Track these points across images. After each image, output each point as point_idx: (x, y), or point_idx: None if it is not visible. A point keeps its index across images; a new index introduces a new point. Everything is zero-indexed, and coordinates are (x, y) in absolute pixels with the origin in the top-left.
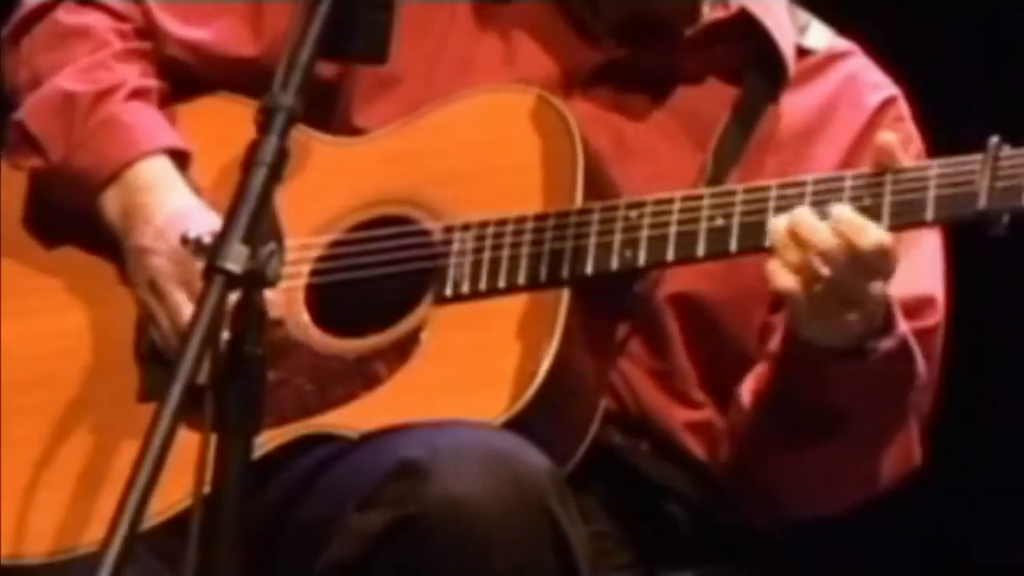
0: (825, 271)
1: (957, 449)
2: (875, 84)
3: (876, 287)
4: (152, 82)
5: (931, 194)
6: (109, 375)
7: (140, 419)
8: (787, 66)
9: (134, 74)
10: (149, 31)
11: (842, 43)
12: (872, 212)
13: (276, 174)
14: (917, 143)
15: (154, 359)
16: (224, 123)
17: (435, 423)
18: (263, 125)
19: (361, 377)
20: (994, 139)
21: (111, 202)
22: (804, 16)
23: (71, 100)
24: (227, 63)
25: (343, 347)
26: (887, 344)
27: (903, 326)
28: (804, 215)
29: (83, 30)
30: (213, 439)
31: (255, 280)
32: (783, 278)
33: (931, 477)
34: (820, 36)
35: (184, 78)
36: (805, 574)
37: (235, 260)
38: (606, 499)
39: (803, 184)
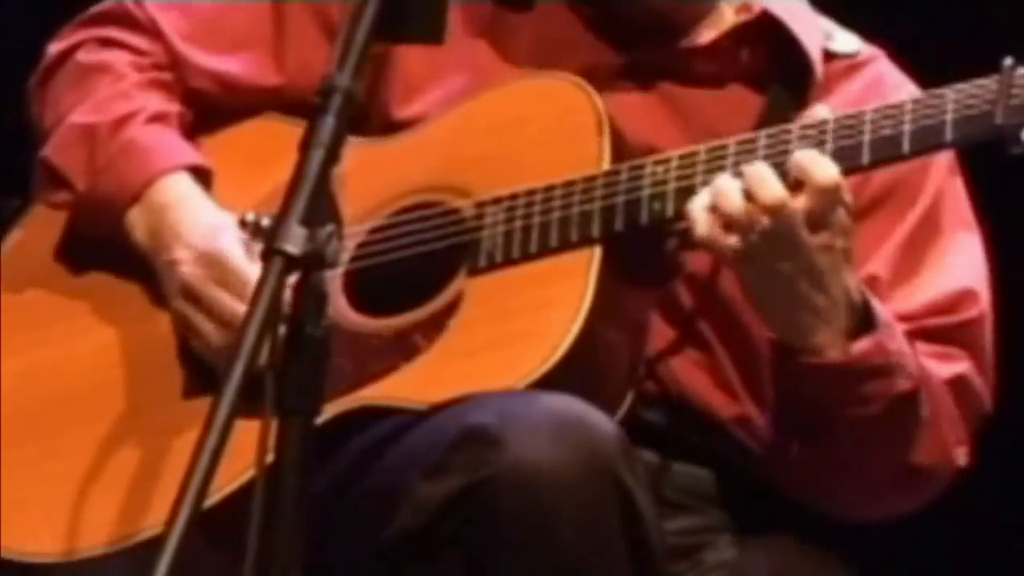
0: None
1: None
2: (899, 84)
3: (816, 236)
4: (172, 107)
5: (949, 117)
6: (154, 379)
7: (189, 416)
8: (814, 69)
9: (153, 100)
10: (171, 64)
11: (868, 48)
12: (893, 142)
13: (334, 155)
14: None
15: (197, 361)
16: (267, 140)
17: (502, 392)
18: (320, 107)
19: (401, 351)
20: (1008, 60)
21: (137, 224)
22: (827, 23)
23: (91, 131)
24: (252, 93)
25: (381, 325)
26: (862, 345)
27: (885, 330)
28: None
29: (102, 66)
30: (273, 422)
31: (314, 262)
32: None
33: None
34: (847, 41)
35: (207, 109)
36: (861, 548)
37: (294, 242)
38: (650, 469)
39: (824, 123)
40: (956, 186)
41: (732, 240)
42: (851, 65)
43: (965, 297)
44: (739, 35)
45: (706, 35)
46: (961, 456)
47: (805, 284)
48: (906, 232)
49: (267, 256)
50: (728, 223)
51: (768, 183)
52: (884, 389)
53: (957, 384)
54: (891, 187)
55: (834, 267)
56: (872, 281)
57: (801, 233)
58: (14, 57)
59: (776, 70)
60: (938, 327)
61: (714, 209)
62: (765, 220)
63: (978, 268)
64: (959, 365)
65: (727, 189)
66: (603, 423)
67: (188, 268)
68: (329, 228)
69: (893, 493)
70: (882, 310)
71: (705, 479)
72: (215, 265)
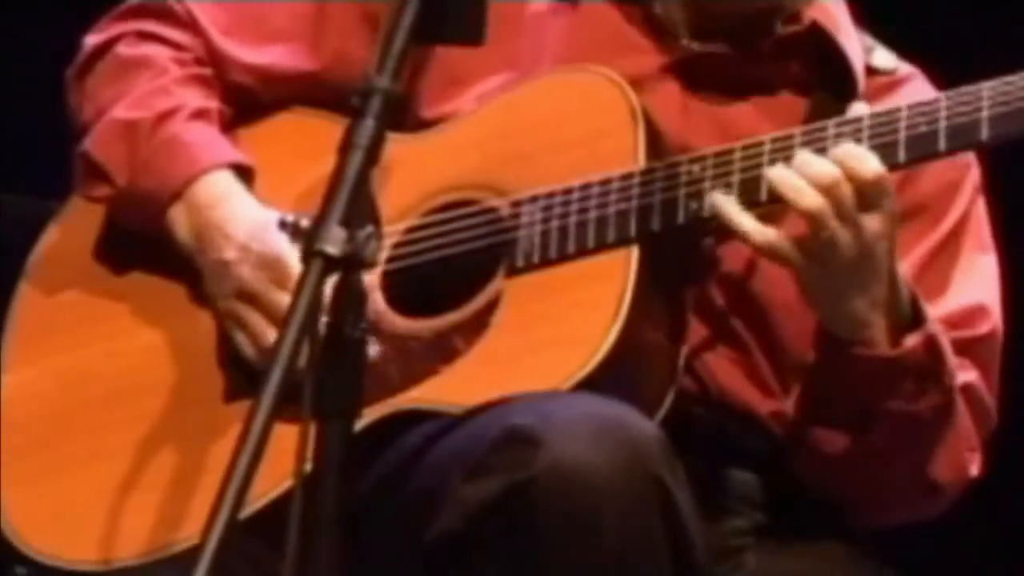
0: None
1: None
2: None
3: (872, 220)
4: (213, 104)
5: (984, 114)
6: (196, 381)
7: (230, 419)
8: (857, 81)
9: (194, 97)
10: (211, 59)
11: (906, 66)
12: (929, 139)
13: (373, 157)
14: (974, 169)
15: (239, 363)
16: (302, 136)
17: (543, 393)
18: (359, 108)
19: (440, 352)
20: None
21: (179, 221)
22: (869, 39)
23: (133, 126)
24: (290, 81)
25: (420, 327)
26: (913, 339)
27: (933, 326)
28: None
29: (142, 60)
30: (312, 423)
31: (353, 263)
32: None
33: None
34: (886, 58)
35: (248, 103)
36: (896, 549)
37: (333, 243)
38: (694, 472)
39: (859, 120)
40: (980, 207)
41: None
42: (890, 82)
43: (977, 312)
44: (787, 44)
45: (755, 41)
46: (975, 465)
47: (865, 274)
48: (928, 249)
49: (306, 257)
50: (807, 217)
51: (822, 165)
52: (931, 386)
53: (966, 391)
54: (920, 205)
55: (890, 256)
56: None
57: (860, 217)
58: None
59: (819, 80)
60: (951, 340)
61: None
62: (831, 204)
63: (992, 287)
64: (968, 374)
65: (799, 185)
66: (643, 424)
67: (245, 269)
68: (368, 229)
69: (916, 498)
70: (928, 308)
71: (748, 482)
72: (272, 267)
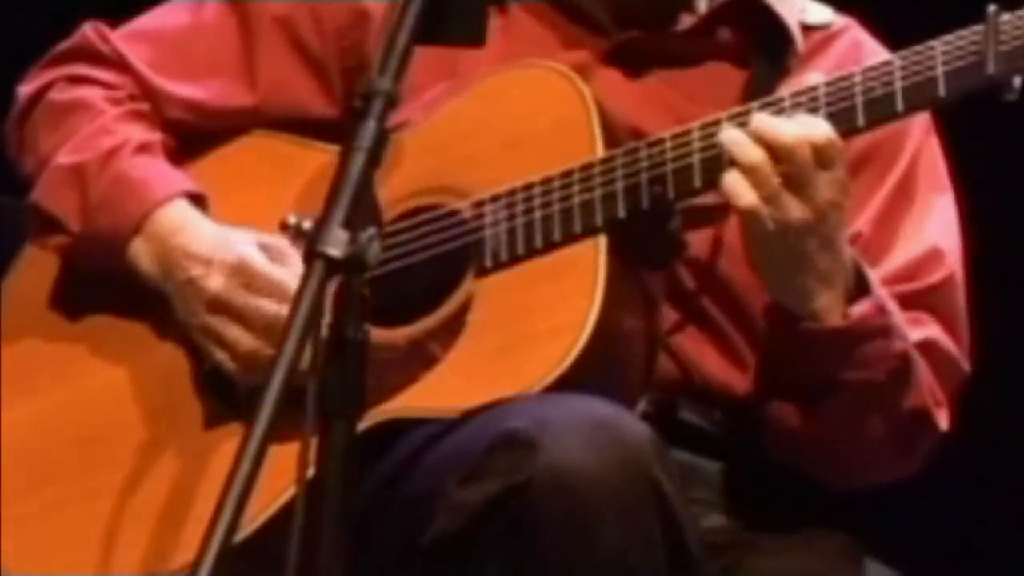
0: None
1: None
2: (875, 52)
3: (823, 185)
4: (155, 136)
5: (940, 71)
6: (171, 411)
7: (211, 443)
8: (796, 42)
9: (135, 131)
10: (145, 95)
11: (841, 18)
12: (886, 101)
13: (375, 159)
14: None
15: (217, 387)
16: (258, 158)
17: (536, 396)
18: (361, 110)
19: (417, 359)
20: (991, 7)
21: (142, 253)
22: None
23: (79, 170)
24: (227, 116)
25: (394, 335)
26: (861, 308)
27: (879, 290)
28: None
29: (77, 104)
30: (316, 425)
31: (355, 265)
32: (743, 193)
33: None
34: (820, 13)
35: (187, 138)
36: (893, 538)
37: (335, 245)
38: (682, 468)
39: (815, 89)
40: (932, 147)
41: (753, 191)
42: (826, 36)
43: (930, 260)
44: (717, 15)
45: (686, 20)
46: (942, 419)
47: (814, 242)
48: (884, 197)
49: (308, 259)
50: (748, 172)
51: (780, 126)
52: (884, 351)
53: (926, 348)
54: (871, 151)
55: (840, 226)
56: (856, 238)
57: (816, 180)
58: None
59: (756, 46)
60: (904, 293)
61: (732, 163)
62: (783, 166)
63: (947, 229)
64: (927, 329)
65: (740, 139)
66: (636, 425)
67: (213, 281)
68: (371, 231)
69: (885, 458)
70: (872, 273)
71: (737, 476)
72: (240, 273)
